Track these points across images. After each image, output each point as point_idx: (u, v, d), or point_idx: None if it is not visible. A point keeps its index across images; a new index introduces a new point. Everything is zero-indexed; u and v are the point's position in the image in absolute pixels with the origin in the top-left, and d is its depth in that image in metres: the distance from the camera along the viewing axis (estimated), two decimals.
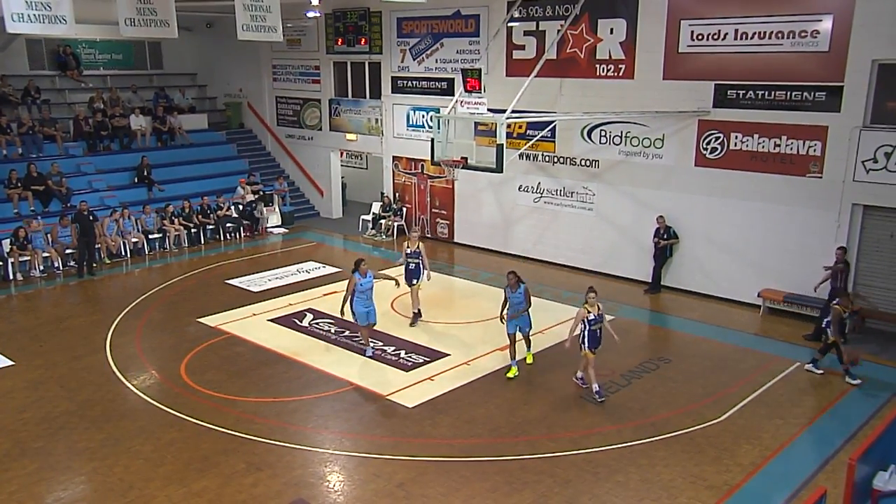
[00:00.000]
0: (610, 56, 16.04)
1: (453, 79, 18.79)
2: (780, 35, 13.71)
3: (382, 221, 20.95)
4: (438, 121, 14.97)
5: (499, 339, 12.00)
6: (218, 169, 22.74)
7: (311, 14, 20.00)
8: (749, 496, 8.55)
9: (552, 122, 16.63)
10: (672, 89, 15.19)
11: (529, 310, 11.50)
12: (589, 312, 10.49)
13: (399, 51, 20.20)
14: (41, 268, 17.15)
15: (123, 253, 18.64)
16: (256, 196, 21.40)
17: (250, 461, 9.15)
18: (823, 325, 11.76)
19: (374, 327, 12.47)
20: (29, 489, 8.62)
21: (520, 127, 17.55)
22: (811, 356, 11.92)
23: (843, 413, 10.59)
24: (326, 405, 10.73)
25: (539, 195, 17.95)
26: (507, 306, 11.40)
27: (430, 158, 15.92)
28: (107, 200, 19.49)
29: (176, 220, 19.75)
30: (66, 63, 22.81)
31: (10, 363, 12.21)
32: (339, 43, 21.63)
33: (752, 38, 14.04)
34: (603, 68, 16.19)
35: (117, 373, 11.81)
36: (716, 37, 14.47)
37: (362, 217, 21.67)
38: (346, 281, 12.27)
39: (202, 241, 20.16)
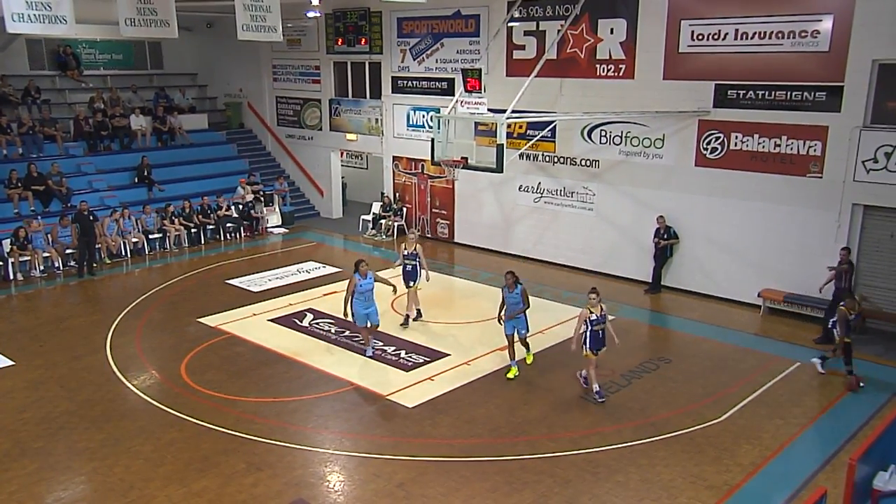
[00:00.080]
0: (610, 56, 16.03)
1: (453, 79, 18.79)
2: (780, 35, 13.70)
3: (383, 221, 20.96)
4: (439, 121, 14.97)
5: (499, 340, 12.00)
6: (218, 169, 22.74)
7: (311, 14, 20.01)
8: (749, 496, 8.55)
9: (552, 122, 16.63)
10: (672, 89, 15.19)
11: (527, 312, 11.43)
12: (591, 313, 10.46)
13: (399, 51, 20.20)
14: (41, 268, 17.15)
15: (124, 253, 18.65)
16: (253, 196, 21.36)
17: (250, 461, 9.15)
18: (829, 326, 11.72)
19: (377, 328, 12.43)
20: (29, 489, 8.63)
21: (520, 127, 17.55)
22: (820, 354, 11.83)
23: (844, 413, 10.59)
24: (326, 405, 10.73)
25: (539, 195, 17.95)
26: (504, 307, 11.38)
27: (430, 158, 15.92)
28: (107, 200, 19.49)
29: (176, 220, 19.76)
30: (67, 63, 22.82)
31: (11, 363, 12.21)
32: (340, 43, 21.63)
33: (752, 38, 14.03)
34: (603, 68, 16.19)
35: (117, 373, 11.81)
36: (716, 37, 14.47)
37: (362, 217, 21.68)
38: (347, 281, 12.26)
39: (202, 241, 20.16)
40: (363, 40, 20.90)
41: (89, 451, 9.42)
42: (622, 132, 16.20)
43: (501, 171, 14.16)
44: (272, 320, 14.11)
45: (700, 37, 14.68)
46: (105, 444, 9.56)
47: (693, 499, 8.42)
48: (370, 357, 12.22)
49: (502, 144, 13.65)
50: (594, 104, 16.03)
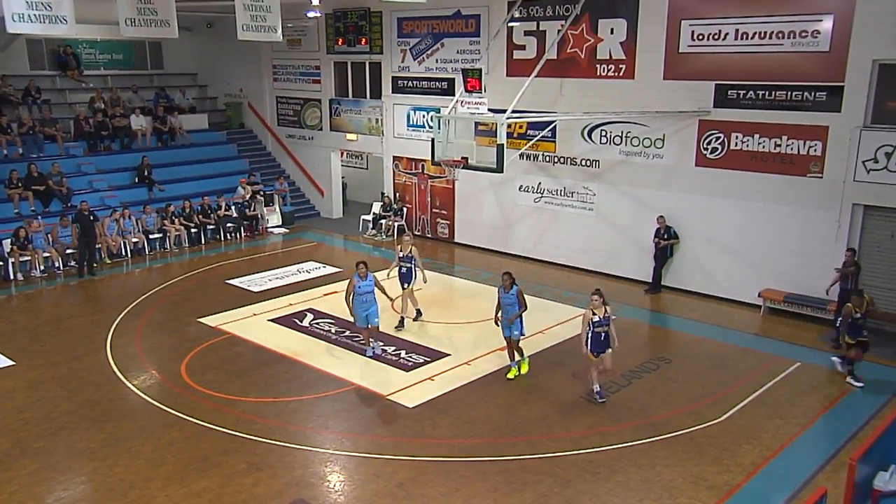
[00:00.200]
0: (610, 56, 16.03)
1: (454, 79, 18.78)
2: (780, 35, 13.70)
3: (383, 221, 20.96)
4: (439, 121, 14.97)
5: (499, 340, 11.98)
6: (218, 169, 22.74)
7: (311, 14, 20.01)
8: (749, 496, 8.55)
9: (552, 122, 16.63)
10: (672, 89, 15.19)
11: (523, 315, 11.24)
12: (594, 315, 10.39)
13: (399, 51, 20.20)
14: (42, 268, 17.15)
15: (124, 253, 18.65)
16: (251, 193, 21.33)
17: (251, 461, 9.15)
18: (838, 325, 11.68)
19: (379, 329, 12.40)
20: (29, 489, 8.63)
21: (520, 127, 17.55)
22: (841, 354, 11.65)
23: (844, 413, 10.59)
24: (327, 405, 10.73)
25: (539, 195, 17.95)
26: (500, 308, 11.31)
27: (430, 158, 15.92)
28: (107, 200, 19.49)
29: (176, 220, 19.76)
30: (67, 63, 22.83)
31: (11, 363, 12.21)
32: (340, 43, 21.63)
33: (752, 38, 14.03)
34: (603, 68, 16.19)
35: (118, 373, 11.81)
36: (716, 37, 14.47)
37: (363, 217, 21.68)
38: (347, 281, 12.25)
39: (202, 241, 20.16)
40: (363, 40, 20.91)
41: (90, 451, 9.42)
42: (622, 132, 16.19)
43: (501, 171, 14.16)
44: (272, 320, 14.11)
45: (700, 37, 14.68)
46: (105, 444, 9.56)
47: (693, 499, 8.42)
48: (370, 357, 12.21)
49: (502, 144, 13.65)
50: (594, 104, 16.03)
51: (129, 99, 23.14)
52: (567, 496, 8.45)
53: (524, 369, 11.66)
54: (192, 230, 19.96)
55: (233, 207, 20.96)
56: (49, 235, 17.50)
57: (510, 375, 11.49)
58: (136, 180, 20.73)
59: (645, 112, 15.31)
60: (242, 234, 20.83)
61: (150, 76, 25.19)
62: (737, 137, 14.57)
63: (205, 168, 22.50)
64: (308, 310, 14.61)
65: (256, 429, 9.93)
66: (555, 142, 17.34)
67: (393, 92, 20.71)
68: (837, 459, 9.13)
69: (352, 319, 12.18)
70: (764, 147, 14.27)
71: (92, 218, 17.41)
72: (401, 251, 13.55)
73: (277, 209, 22.09)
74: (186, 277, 17.11)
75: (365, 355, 12.29)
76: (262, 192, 21.75)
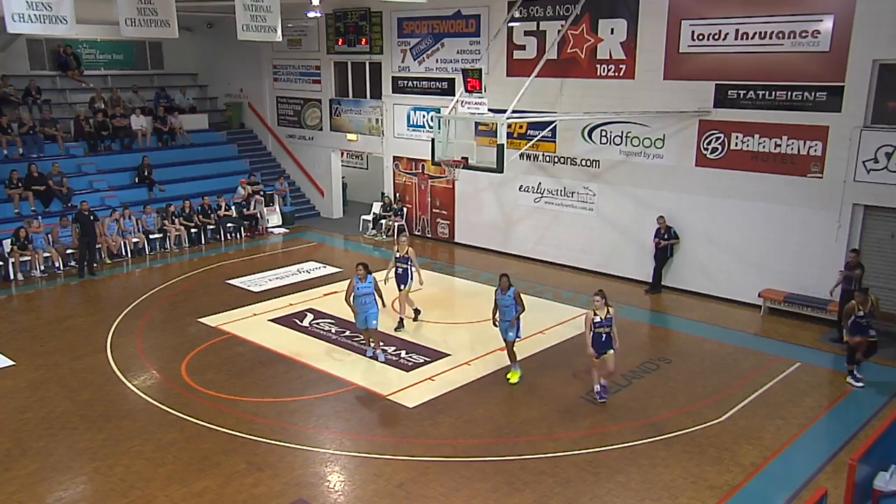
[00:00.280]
0: (610, 56, 16.03)
1: (454, 79, 18.79)
2: (780, 35, 13.70)
3: (383, 221, 20.96)
4: (439, 121, 14.97)
5: (498, 341, 11.97)
6: (218, 169, 22.74)
7: (311, 14, 20.00)
8: (750, 496, 8.55)
9: (553, 122, 16.63)
10: (673, 89, 15.19)
11: (521, 316, 11.14)
12: (596, 315, 10.35)
13: (400, 51, 20.20)
14: (42, 268, 17.16)
15: (124, 253, 18.65)
16: (250, 192, 21.30)
17: (251, 461, 9.15)
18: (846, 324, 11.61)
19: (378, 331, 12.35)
20: (30, 489, 8.63)
21: (520, 127, 17.55)
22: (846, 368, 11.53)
23: (844, 413, 10.59)
24: (327, 405, 10.73)
25: (540, 195, 17.95)
26: (497, 309, 11.24)
27: (430, 158, 15.91)
28: (107, 200, 19.49)
29: (177, 220, 19.77)
30: (67, 63, 22.82)
31: (11, 363, 12.21)
32: (340, 43, 21.63)
33: (752, 38, 14.03)
34: (603, 68, 16.19)
35: (118, 373, 11.82)
36: (716, 37, 14.47)
37: (363, 217, 21.68)
38: (347, 281, 12.24)
39: (203, 241, 20.17)
40: (364, 40, 20.91)
41: (90, 451, 9.42)
42: (622, 132, 16.19)
43: (502, 171, 14.16)
44: (273, 320, 14.11)
45: (700, 37, 14.67)
46: (106, 444, 9.57)
47: (694, 499, 8.42)
48: (370, 357, 12.19)
49: (503, 144, 13.65)
50: (594, 104, 16.03)
51: (130, 99, 23.13)
52: (567, 496, 8.45)
53: (514, 378, 11.33)
54: (193, 230, 19.97)
55: (233, 207, 20.96)
56: (49, 235, 17.50)
57: (514, 379, 11.44)
58: (137, 180, 20.73)
59: (645, 112, 15.31)
60: (242, 234, 20.83)
61: (151, 76, 25.19)
62: (737, 137, 14.58)
63: (205, 168, 22.50)
64: (308, 310, 14.61)
65: (257, 429, 9.93)
66: (555, 142, 17.34)
67: (393, 92, 20.71)
68: (838, 459, 9.12)
69: (352, 319, 12.16)
70: (764, 147, 14.27)
71: (92, 218, 17.42)
72: (397, 252, 13.54)
73: (277, 209, 22.09)
74: (187, 277, 17.12)
75: (365, 355, 12.29)
76: (262, 192, 21.75)
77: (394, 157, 21.28)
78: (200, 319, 14.14)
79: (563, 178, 17.40)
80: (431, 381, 11.43)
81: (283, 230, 21.69)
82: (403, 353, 12.47)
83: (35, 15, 11.48)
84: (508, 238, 18.81)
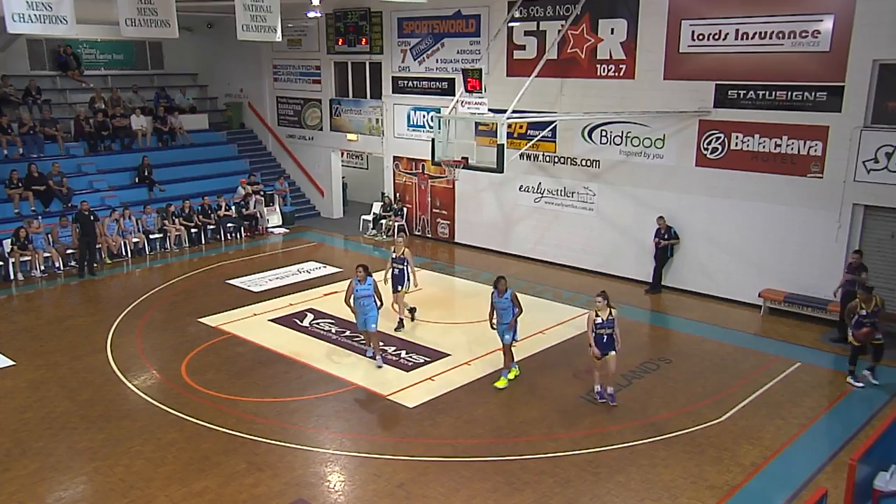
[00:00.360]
0: (611, 56, 16.03)
1: (454, 79, 18.78)
2: (780, 35, 13.70)
3: (383, 221, 20.96)
4: (439, 121, 14.96)
5: (498, 341, 11.98)
6: (219, 169, 22.74)
7: (311, 14, 19.99)
8: (750, 496, 8.55)
9: (553, 122, 16.62)
10: (673, 89, 15.19)
11: (518, 318, 11.08)
12: (597, 316, 10.34)
13: (400, 51, 20.20)
14: (42, 268, 17.16)
15: (124, 253, 18.65)
16: (248, 192, 21.29)
17: (251, 461, 9.15)
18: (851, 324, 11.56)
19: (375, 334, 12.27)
20: (30, 489, 8.63)
21: (520, 127, 17.55)
22: (868, 366, 11.38)
23: (844, 413, 10.60)
24: (327, 405, 10.73)
25: (540, 195, 17.95)
26: (494, 312, 11.15)
27: (430, 158, 15.91)
28: (108, 200, 19.50)
29: (177, 220, 19.77)
30: (67, 63, 22.82)
31: (12, 363, 12.22)
32: (340, 43, 21.63)
33: (752, 38, 14.03)
34: (604, 68, 16.19)
35: (118, 373, 11.82)
36: (717, 37, 14.47)
37: (363, 217, 21.68)
38: (347, 282, 12.24)
39: (203, 241, 20.17)
40: (364, 40, 20.91)
41: (90, 451, 9.42)
42: (623, 132, 16.19)
43: (502, 172, 14.15)
44: (273, 320, 14.11)
45: (701, 37, 14.67)
46: (106, 444, 9.57)
47: (694, 499, 8.42)
48: (370, 357, 12.18)
49: (503, 144, 13.64)
50: (595, 104, 16.03)
51: (130, 99, 23.13)
52: (567, 496, 8.45)
53: (501, 384, 11.22)
54: (193, 230, 19.97)
55: (233, 207, 20.95)
56: (49, 235, 17.51)
57: (510, 376, 11.45)
58: (137, 180, 20.73)
59: (645, 112, 15.31)
60: (242, 234, 20.84)
61: (151, 76, 25.19)
62: (737, 137, 14.57)
63: (205, 168, 22.49)
64: (308, 310, 14.61)
65: (257, 429, 9.93)
66: (555, 142, 17.34)
67: (393, 92, 20.71)
68: (838, 459, 9.12)
69: (352, 319, 12.15)
70: (764, 147, 14.27)
71: (92, 218, 17.42)
72: (393, 252, 13.53)
73: (278, 209, 22.09)
74: (187, 277, 17.12)
75: (366, 355, 12.28)
76: (262, 192, 21.75)
77: (394, 157, 21.28)
78: (200, 319, 14.14)
79: (564, 178, 17.40)
80: (431, 381, 11.43)
81: (283, 230, 21.70)
82: (403, 353, 12.47)
83: (35, 15, 11.49)
84: (508, 238, 18.81)
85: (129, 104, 22.87)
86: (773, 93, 14.00)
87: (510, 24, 17.45)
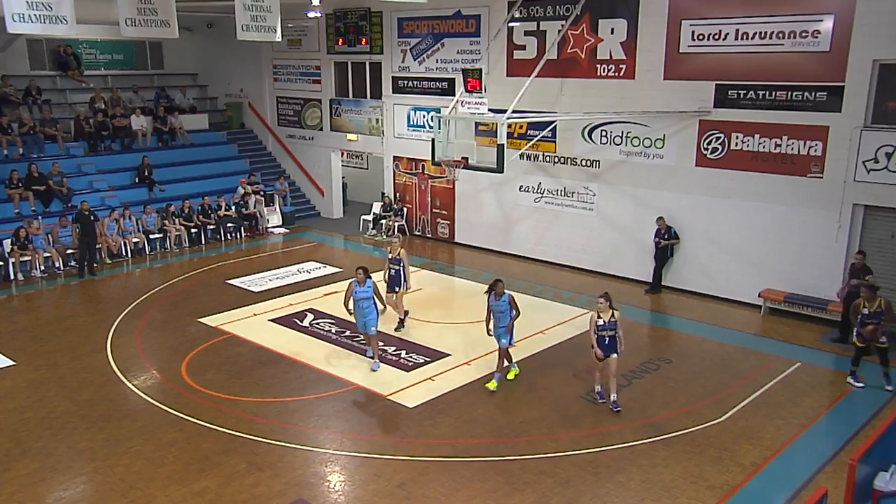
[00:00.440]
0: (611, 56, 16.03)
1: (454, 79, 18.79)
2: (781, 35, 13.70)
3: (383, 221, 20.96)
4: (439, 121, 14.96)
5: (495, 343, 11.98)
6: (219, 169, 22.75)
7: (311, 14, 19.99)
8: (750, 496, 8.55)
9: (553, 122, 16.62)
10: (673, 89, 15.19)
11: (515, 321, 11.00)
12: (599, 318, 10.27)
13: (400, 51, 20.20)
14: (42, 268, 17.16)
15: (124, 253, 18.65)
16: (247, 191, 21.28)
17: (251, 461, 9.15)
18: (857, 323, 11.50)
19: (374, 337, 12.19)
20: (30, 489, 8.63)
21: (520, 127, 17.55)
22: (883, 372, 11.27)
23: (844, 413, 10.59)
24: (327, 405, 10.73)
25: (540, 195, 17.95)
26: (491, 315, 11.02)
27: (430, 158, 15.91)
28: (108, 200, 19.50)
29: (177, 220, 19.77)
30: (67, 63, 22.83)
31: (12, 363, 12.22)
32: (340, 43, 21.64)
33: (753, 38, 14.03)
34: (604, 68, 16.19)
35: (118, 373, 11.82)
36: (717, 37, 14.47)
37: (363, 217, 21.68)
38: (348, 282, 12.23)
39: (203, 241, 20.17)
40: (364, 40, 20.91)
41: (90, 451, 9.42)
42: (623, 132, 16.19)
43: (502, 172, 14.16)
44: (273, 320, 14.11)
45: (701, 37, 14.67)
46: (106, 444, 9.57)
47: (694, 499, 8.42)
48: (370, 358, 12.17)
49: (503, 144, 13.65)
50: (595, 104, 16.03)
51: (130, 99, 23.14)
52: (567, 496, 8.45)
53: (491, 386, 11.16)
54: (193, 230, 19.97)
55: (233, 207, 20.96)
56: (49, 235, 17.51)
57: (510, 376, 11.46)
58: (137, 180, 20.73)
59: (645, 112, 15.31)
60: (242, 234, 20.84)
61: (151, 76, 25.19)
62: (737, 137, 14.57)
63: (205, 168, 22.50)
64: (308, 310, 14.61)
65: (257, 429, 9.93)
66: (555, 142, 17.34)
67: (393, 92, 20.71)
68: (838, 459, 9.12)
69: (352, 320, 12.13)
70: (764, 147, 14.27)
71: (92, 218, 17.42)
72: (389, 254, 13.53)
73: (278, 209, 22.09)
74: (187, 277, 17.12)
75: (366, 355, 12.28)
76: (262, 192, 21.75)
77: (394, 157, 21.28)
78: (200, 319, 14.14)
79: (564, 178, 17.40)
80: (431, 381, 11.43)
81: (283, 230, 21.70)
82: (403, 353, 12.47)
83: (35, 15, 11.49)
84: (508, 238, 18.81)
85: (129, 104, 22.87)
86: (774, 93, 14.00)
87: (510, 24, 17.45)
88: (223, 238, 20.50)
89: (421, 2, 17.77)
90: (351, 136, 22.30)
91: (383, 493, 8.50)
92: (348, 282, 11.92)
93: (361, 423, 10.34)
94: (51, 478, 8.86)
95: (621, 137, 16.25)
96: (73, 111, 21.88)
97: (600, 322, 10.26)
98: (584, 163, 16.98)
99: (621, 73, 15.91)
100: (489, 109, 17.29)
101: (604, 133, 16.52)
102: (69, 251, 17.62)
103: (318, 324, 13.88)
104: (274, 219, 21.88)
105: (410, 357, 12.34)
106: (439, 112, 16.75)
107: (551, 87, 16.84)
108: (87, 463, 9.18)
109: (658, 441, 9.66)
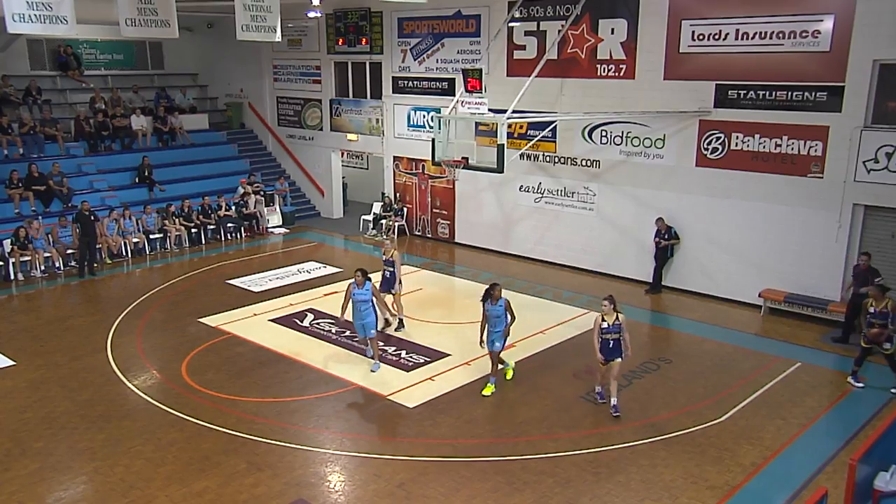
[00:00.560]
0: (611, 56, 16.03)
1: (454, 79, 18.78)
2: (781, 35, 13.70)
3: (383, 221, 20.96)
4: (439, 121, 14.95)
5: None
6: (219, 169, 22.75)
7: (311, 14, 20.00)
8: (750, 496, 8.54)
9: (553, 122, 16.62)
10: (673, 89, 15.19)
11: (511, 326, 10.93)
12: (603, 321, 10.13)
13: (400, 51, 20.20)
14: (42, 268, 17.16)
15: (124, 253, 18.66)
16: (246, 191, 21.28)
17: (251, 461, 9.15)
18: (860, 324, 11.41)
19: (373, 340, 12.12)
20: (30, 489, 8.63)
21: (521, 127, 17.55)
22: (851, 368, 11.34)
23: (844, 413, 10.59)
24: (327, 405, 10.73)
25: (540, 195, 17.95)
26: (486, 321, 10.84)
27: (430, 158, 15.91)
28: (108, 200, 19.50)
29: (177, 220, 19.77)
30: (68, 63, 22.83)
31: (12, 363, 12.21)
32: (340, 43, 21.63)
33: (753, 38, 14.03)
34: (604, 68, 16.19)
35: (118, 373, 11.82)
36: (717, 37, 14.47)
37: (363, 217, 21.68)
38: (347, 282, 12.23)
39: (203, 241, 20.17)
40: (364, 40, 20.91)
41: (90, 451, 9.42)
42: (623, 132, 16.19)
43: (502, 172, 14.15)
44: (273, 320, 14.11)
45: (701, 37, 14.67)
46: (106, 444, 9.56)
47: (694, 499, 8.42)
48: (370, 357, 12.17)
49: (503, 144, 13.64)
50: (595, 104, 16.02)
51: (130, 99, 23.13)
52: (567, 496, 8.45)
53: (487, 391, 11.05)
54: (193, 230, 19.97)
55: (233, 207, 20.96)
56: (49, 235, 17.51)
57: (508, 377, 11.45)
58: (137, 180, 20.73)
59: (645, 112, 15.31)
60: (243, 234, 20.84)
61: (151, 76, 25.19)
62: (737, 137, 14.57)
63: (205, 168, 22.50)
64: (308, 310, 14.61)
65: (257, 429, 9.93)
66: (555, 142, 17.34)
67: (393, 92, 20.71)
68: (838, 459, 9.12)
69: (341, 317, 11.94)
70: (764, 147, 14.27)
71: (92, 218, 17.42)
72: (383, 255, 13.52)
73: (278, 209, 22.09)
74: (187, 277, 17.12)
75: (366, 355, 12.27)
76: (262, 192, 21.75)
77: (394, 157, 21.28)
78: (200, 319, 14.14)
79: (564, 178, 17.40)
80: (431, 381, 11.43)
81: (283, 230, 21.70)
82: (403, 354, 12.47)
83: (35, 15, 11.49)
84: (508, 238, 18.81)
85: (130, 104, 22.87)
86: (774, 93, 14.00)
87: (510, 25, 17.45)
88: (223, 238, 20.50)
89: (421, 2, 17.77)
90: (351, 136, 22.30)
91: (383, 493, 8.50)
92: (348, 283, 11.93)
93: (361, 423, 10.34)
94: (51, 478, 8.86)
95: (621, 137, 16.24)
96: (74, 111, 21.88)
97: (604, 325, 10.10)
98: (584, 163, 16.98)
99: (621, 73, 15.91)
100: (489, 109, 17.30)
101: (604, 133, 16.52)
102: (69, 251, 17.62)
103: (318, 324, 13.88)
104: (274, 219, 21.88)
105: (410, 357, 12.34)
106: (439, 112, 16.75)
107: (551, 87, 16.84)
108: (87, 463, 9.18)
109: (658, 441, 9.66)
